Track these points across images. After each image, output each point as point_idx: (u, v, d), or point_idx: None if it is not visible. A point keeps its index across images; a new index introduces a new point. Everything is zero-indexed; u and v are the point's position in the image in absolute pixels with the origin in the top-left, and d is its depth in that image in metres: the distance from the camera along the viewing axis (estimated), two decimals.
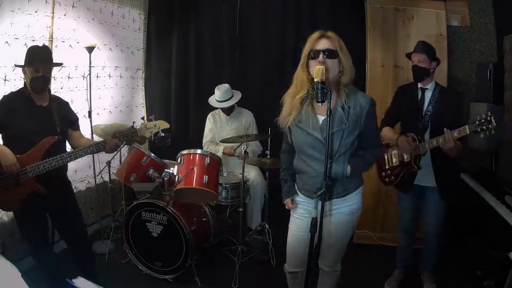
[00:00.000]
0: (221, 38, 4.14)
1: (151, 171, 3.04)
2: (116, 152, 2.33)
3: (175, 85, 4.34)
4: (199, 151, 2.80)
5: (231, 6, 4.02)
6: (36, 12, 2.82)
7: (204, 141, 3.74)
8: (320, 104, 1.59)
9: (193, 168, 2.68)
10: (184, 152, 2.79)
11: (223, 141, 3.32)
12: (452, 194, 2.49)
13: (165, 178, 2.80)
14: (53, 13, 2.97)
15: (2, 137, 2.19)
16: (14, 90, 2.27)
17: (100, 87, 3.68)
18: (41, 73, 2.14)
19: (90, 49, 3.26)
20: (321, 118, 1.75)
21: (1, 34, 2.58)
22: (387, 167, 2.64)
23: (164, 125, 2.44)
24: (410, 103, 2.53)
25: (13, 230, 2.75)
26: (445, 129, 2.17)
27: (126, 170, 3.05)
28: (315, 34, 1.72)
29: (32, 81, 2.14)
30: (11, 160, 2.02)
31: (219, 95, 3.52)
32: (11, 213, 2.73)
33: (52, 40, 2.99)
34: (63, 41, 3.12)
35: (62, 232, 2.51)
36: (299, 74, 1.77)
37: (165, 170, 2.85)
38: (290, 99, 1.78)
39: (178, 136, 4.35)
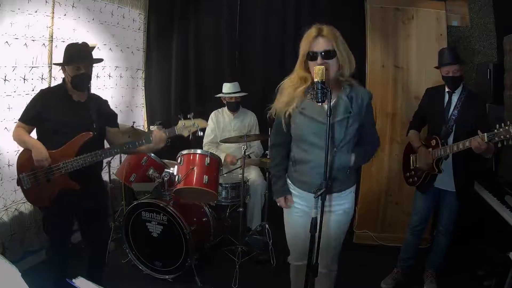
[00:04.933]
0: (221, 38, 4.13)
1: (151, 171, 3.04)
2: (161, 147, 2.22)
3: (175, 85, 4.34)
4: (199, 151, 2.80)
5: (231, 6, 4.02)
6: (36, 12, 2.81)
7: (205, 141, 3.72)
8: (320, 103, 1.59)
9: (193, 168, 2.68)
10: (184, 152, 2.79)
11: (224, 141, 3.31)
12: (468, 198, 2.54)
13: (165, 178, 2.80)
14: (53, 13, 2.97)
15: (37, 131, 2.17)
16: (51, 85, 2.24)
17: (100, 87, 3.67)
18: (83, 71, 2.13)
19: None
20: (326, 106, 1.71)
21: (1, 34, 2.58)
22: (411, 167, 2.67)
23: (203, 124, 2.34)
24: (436, 106, 2.53)
25: (13, 230, 2.75)
26: (479, 131, 2.13)
27: (126, 170, 3.05)
28: (311, 33, 1.70)
29: (74, 79, 2.11)
30: (43, 154, 2.01)
31: (229, 87, 3.58)
32: (11, 213, 2.73)
33: (52, 40, 2.98)
34: (63, 41, 3.12)
35: (86, 232, 2.42)
36: (299, 71, 1.77)
37: (165, 170, 2.85)
38: (291, 90, 1.76)
39: (178, 136, 4.34)
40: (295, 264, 2.07)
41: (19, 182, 2.11)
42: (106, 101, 2.39)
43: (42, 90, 2.20)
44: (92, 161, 2.10)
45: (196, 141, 3.92)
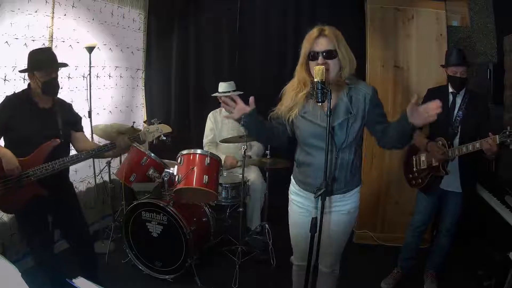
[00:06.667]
0: (221, 37, 4.14)
1: (151, 171, 3.04)
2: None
3: (175, 85, 4.34)
4: (199, 151, 2.79)
5: (232, 6, 4.02)
6: (36, 12, 2.81)
7: (204, 141, 3.73)
8: (320, 103, 1.59)
9: (193, 168, 2.67)
10: (184, 152, 2.79)
11: (223, 141, 3.31)
12: (472, 198, 2.54)
13: (165, 178, 2.80)
14: (53, 13, 2.96)
15: (5, 140, 2.18)
16: (16, 91, 2.26)
17: (100, 87, 3.67)
18: (55, 75, 2.15)
19: (90, 49, 3.26)
20: (326, 108, 1.71)
21: (1, 34, 2.57)
22: (414, 169, 2.63)
23: (166, 129, 2.42)
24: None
25: (13, 230, 2.75)
26: (490, 133, 2.12)
27: (126, 170, 3.05)
28: (313, 33, 1.70)
29: (46, 85, 2.12)
30: (13, 163, 2.01)
31: (224, 86, 3.57)
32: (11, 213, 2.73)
33: (52, 40, 2.98)
34: (63, 41, 3.12)
35: (64, 233, 2.49)
36: (300, 73, 1.77)
37: (165, 170, 2.85)
38: (292, 95, 1.77)
39: (178, 136, 4.35)
40: (297, 264, 2.08)
41: None
42: (70, 105, 2.42)
43: (7, 97, 2.19)
44: (60, 167, 2.13)
45: (195, 141, 3.96)
